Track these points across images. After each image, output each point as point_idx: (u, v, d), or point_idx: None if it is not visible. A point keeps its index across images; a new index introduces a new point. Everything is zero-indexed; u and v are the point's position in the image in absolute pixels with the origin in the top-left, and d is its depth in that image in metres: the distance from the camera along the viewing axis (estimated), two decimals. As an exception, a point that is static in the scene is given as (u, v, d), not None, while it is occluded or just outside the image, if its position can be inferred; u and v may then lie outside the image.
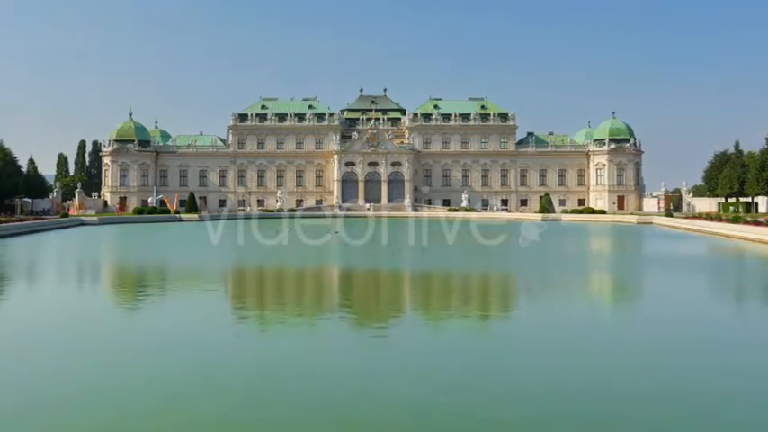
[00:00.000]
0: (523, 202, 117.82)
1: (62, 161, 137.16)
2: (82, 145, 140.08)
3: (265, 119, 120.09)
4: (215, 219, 77.90)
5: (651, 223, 76.87)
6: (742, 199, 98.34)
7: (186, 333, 15.84)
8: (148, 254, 40.04)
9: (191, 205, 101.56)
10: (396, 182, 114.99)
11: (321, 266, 31.99)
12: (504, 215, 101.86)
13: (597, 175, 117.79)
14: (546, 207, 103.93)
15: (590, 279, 27.87)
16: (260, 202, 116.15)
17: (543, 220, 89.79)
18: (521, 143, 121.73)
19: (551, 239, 50.29)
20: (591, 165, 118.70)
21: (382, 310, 19.28)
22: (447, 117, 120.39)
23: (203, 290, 23.63)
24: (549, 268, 30.54)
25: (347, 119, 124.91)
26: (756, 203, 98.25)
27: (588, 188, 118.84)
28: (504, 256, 37.47)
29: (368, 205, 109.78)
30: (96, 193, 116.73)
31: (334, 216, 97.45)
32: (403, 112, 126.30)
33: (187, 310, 19.49)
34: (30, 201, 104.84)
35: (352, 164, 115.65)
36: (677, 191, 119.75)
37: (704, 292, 23.66)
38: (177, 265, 33.07)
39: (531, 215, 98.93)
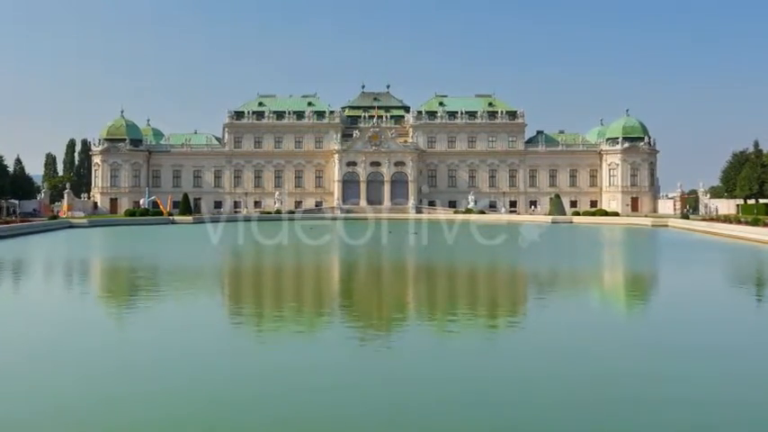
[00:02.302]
0: (533, 204, 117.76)
1: (50, 161, 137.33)
2: (71, 144, 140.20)
3: (263, 116, 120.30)
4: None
5: (666, 226, 76.92)
6: (762, 200, 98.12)
7: (181, 344, 15.93)
8: (141, 259, 40.11)
9: (184, 207, 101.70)
10: (399, 182, 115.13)
11: (321, 268, 32.14)
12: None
13: (610, 176, 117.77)
14: (556, 209, 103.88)
15: (597, 282, 27.92)
16: (257, 204, 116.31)
17: (553, 222, 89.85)
18: (530, 142, 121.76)
19: (557, 244, 50.33)
20: (603, 165, 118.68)
21: (385, 317, 19.35)
22: (453, 115, 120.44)
23: (199, 299, 23.70)
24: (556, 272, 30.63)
25: (348, 117, 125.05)
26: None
27: (601, 189, 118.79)
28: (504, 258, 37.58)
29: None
30: (86, 195, 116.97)
31: (334, 218, 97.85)
32: (407, 109, 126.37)
33: (182, 321, 19.58)
34: (16, 202, 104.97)
35: (353, 164, 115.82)
36: (694, 192, 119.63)
37: (719, 296, 23.70)
38: (173, 271, 33.13)
39: (541, 217, 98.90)
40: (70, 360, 13.87)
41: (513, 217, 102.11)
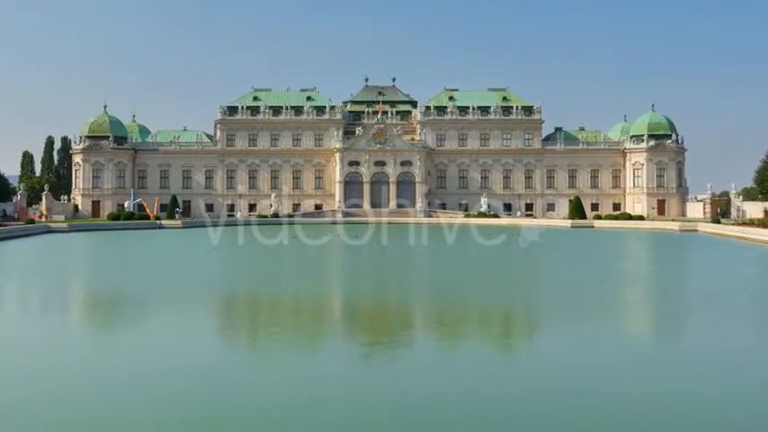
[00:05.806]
0: (550, 207, 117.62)
1: (27, 160, 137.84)
2: (49, 142, 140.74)
3: (258, 112, 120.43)
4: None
5: (696, 230, 76.99)
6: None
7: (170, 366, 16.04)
8: (130, 270, 40.23)
9: (173, 210, 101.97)
10: (405, 183, 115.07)
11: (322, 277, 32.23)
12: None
13: (634, 176, 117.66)
14: (576, 212, 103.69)
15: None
16: (252, 207, 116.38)
17: (573, 226, 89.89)
18: (547, 140, 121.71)
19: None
20: (627, 164, 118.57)
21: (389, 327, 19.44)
22: (464, 110, 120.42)
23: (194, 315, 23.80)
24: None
25: (350, 112, 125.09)
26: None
27: (624, 191, 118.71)
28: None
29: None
30: (66, 197, 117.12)
31: (334, 222, 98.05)
32: (414, 104, 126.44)
33: (172, 339, 19.70)
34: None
35: (356, 163, 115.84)
36: (725, 194, 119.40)
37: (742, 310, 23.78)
38: (168, 279, 33.20)
39: (559, 221, 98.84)
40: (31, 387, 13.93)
41: (529, 221, 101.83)
